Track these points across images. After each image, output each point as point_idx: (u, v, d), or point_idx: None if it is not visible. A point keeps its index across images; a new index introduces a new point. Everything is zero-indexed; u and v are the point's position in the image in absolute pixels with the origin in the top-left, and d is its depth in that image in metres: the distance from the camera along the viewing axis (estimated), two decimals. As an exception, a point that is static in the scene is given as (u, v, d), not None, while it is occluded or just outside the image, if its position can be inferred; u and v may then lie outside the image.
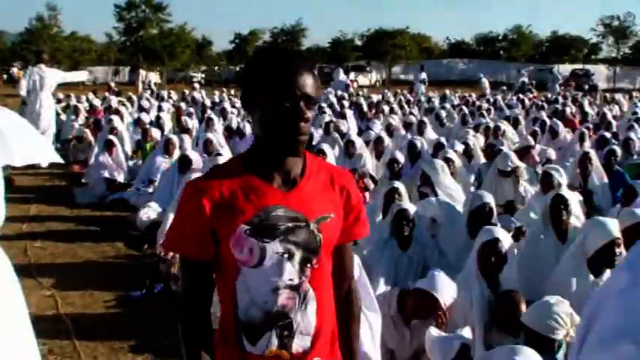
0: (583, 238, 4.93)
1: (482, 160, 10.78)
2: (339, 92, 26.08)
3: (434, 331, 4.23)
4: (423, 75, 34.03)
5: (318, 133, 12.88)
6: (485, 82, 34.23)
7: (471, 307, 4.58)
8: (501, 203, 8.29)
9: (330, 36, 76.73)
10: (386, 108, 19.84)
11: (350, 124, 15.70)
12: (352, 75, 38.82)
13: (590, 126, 14.59)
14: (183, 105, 20.37)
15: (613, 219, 5.08)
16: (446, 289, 4.49)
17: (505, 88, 34.35)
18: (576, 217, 6.08)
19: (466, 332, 4.19)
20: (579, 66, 54.82)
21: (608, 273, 4.84)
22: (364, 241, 6.53)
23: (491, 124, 13.73)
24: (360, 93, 28.56)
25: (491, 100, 23.54)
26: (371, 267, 5.48)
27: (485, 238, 4.77)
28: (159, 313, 6.14)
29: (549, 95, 28.49)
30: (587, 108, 20.49)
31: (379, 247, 5.92)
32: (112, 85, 31.38)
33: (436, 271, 4.62)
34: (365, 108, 20.03)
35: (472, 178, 9.73)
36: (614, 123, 15.37)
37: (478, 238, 4.84)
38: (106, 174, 11.37)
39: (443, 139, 11.46)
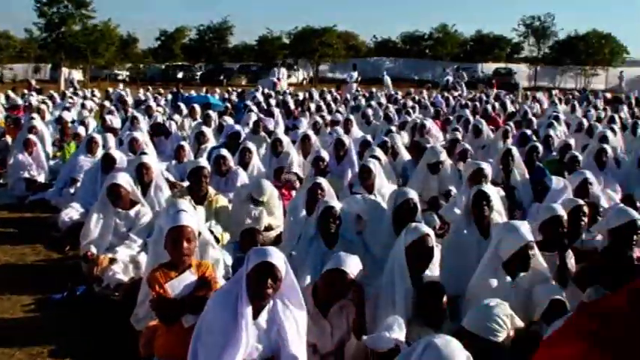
0: (497, 243, 5.01)
1: (408, 157, 10.91)
2: (267, 90, 26.01)
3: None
4: (355, 74, 34.32)
5: (245, 132, 12.78)
6: (388, 79, 34.73)
7: (394, 301, 4.64)
8: (427, 200, 8.41)
9: (258, 34, 76.42)
10: (312, 106, 19.88)
11: (277, 123, 15.68)
12: (278, 73, 38.75)
13: (512, 124, 14.91)
14: (107, 103, 19.98)
15: (524, 223, 5.20)
16: (351, 263, 4.55)
17: (430, 85, 34.81)
18: (498, 212, 6.19)
19: (396, 328, 4.22)
20: (502, 65, 56.03)
21: (523, 275, 4.97)
22: (289, 240, 6.53)
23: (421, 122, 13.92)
24: (287, 91, 28.54)
25: (399, 97, 23.85)
26: (297, 265, 5.48)
27: (414, 236, 4.83)
28: (81, 316, 5.99)
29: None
30: (510, 106, 20.97)
31: (305, 245, 5.93)
32: (33, 82, 30.55)
33: (338, 253, 4.68)
34: (292, 106, 20.02)
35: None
36: (534, 120, 15.75)
37: (405, 235, 4.88)
38: (26, 174, 11.04)
39: (369, 137, 11.53)
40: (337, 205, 5.98)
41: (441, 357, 3.03)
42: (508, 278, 4.95)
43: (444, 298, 4.68)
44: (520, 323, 4.29)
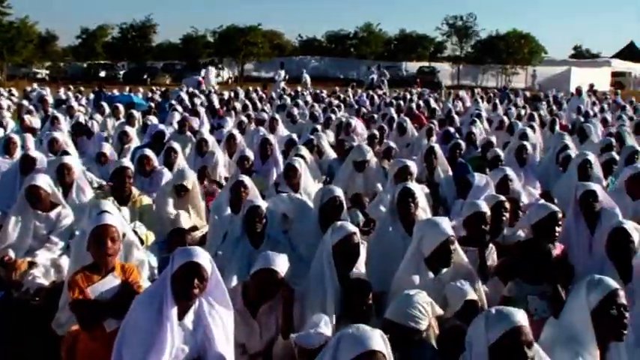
0: (419, 239, 5.06)
1: (333, 155, 10.96)
2: (191, 89, 25.75)
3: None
4: (283, 72, 34.34)
5: (169, 131, 12.62)
6: (307, 78, 34.91)
7: (323, 300, 4.65)
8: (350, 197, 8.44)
9: (182, 32, 75.61)
10: (238, 105, 19.77)
11: (202, 122, 15.54)
12: (203, 72, 38.43)
13: (435, 122, 15.15)
14: (25, 102, 19.42)
15: (445, 218, 5.29)
16: (280, 262, 4.57)
17: (355, 84, 35.07)
18: (423, 209, 6.27)
19: (323, 326, 4.22)
20: (426, 63, 56.89)
21: (445, 270, 5.05)
22: (214, 239, 6.48)
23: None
24: (212, 90, 28.31)
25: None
26: (223, 264, 5.46)
27: (340, 235, 4.84)
28: (-1, 322, 5.81)
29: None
30: (434, 104, 21.30)
31: (231, 245, 5.90)
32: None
33: (266, 252, 4.69)
34: (217, 105, 19.87)
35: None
36: (457, 119, 16.03)
37: (331, 234, 4.89)
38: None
39: (295, 136, 11.54)
40: (263, 205, 5.96)
41: (356, 339, 3.08)
42: (430, 274, 5.02)
43: (370, 295, 4.72)
44: (440, 311, 4.36)
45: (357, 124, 14.57)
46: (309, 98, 23.62)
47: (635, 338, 3.83)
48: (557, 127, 14.94)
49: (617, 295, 3.64)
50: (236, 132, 11.83)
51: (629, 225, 5.19)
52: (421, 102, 22.44)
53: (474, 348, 3.23)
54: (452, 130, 12.61)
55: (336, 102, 21.17)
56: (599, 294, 3.63)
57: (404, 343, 4.07)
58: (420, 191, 6.29)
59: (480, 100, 23.62)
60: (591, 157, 8.50)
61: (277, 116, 14.75)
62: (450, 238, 4.97)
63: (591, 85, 31.90)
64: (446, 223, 5.09)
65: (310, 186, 8.02)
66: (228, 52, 56.08)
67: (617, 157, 9.57)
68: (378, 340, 3.11)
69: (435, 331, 4.35)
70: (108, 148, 10.58)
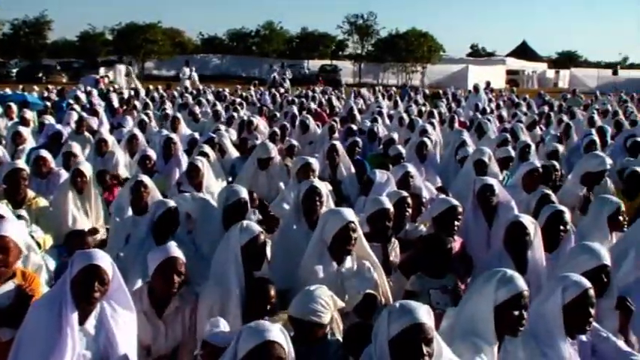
0: (322, 227, 5.16)
1: (236, 154, 10.91)
2: (89, 88, 25.08)
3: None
4: (188, 70, 33.88)
5: (67, 131, 12.24)
6: (195, 76, 34.55)
7: (228, 300, 4.62)
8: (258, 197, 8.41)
9: (79, 29, 73.56)
10: (138, 104, 19.38)
11: (101, 122, 15.17)
12: (102, 70, 37.44)
13: (337, 119, 15.29)
14: None
15: (348, 209, 5.40)
16: (178, 251, 4.58)
17: (257, 82, 34.97)
18: (327, 207, 6.30)
19: (222, 327, 4.19)
20: (328, 62, 57.31)
21: (349, 260, 5.13)
22: (115, 241, 6.34)
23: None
24: (111, 89, 27.65)
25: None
26: (126, 266, 5.35)
27: (249, 235, 4.81)
28: None
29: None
30: (336, 102, 21.48)
31: (136, 246, 5.78)
32: None
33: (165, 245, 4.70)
34: (116, 104, 19.44)
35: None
36: (359, 116, 16.22)
37: (239, 234, 4.83)
38: None
39: (197, 135, 11.43)
40: (174, 204, 5.89)
41: (254, 331, 3.14)
42: (334, 264, 5.08)
43: (272, 292, 4.72)
44: (341, 304, 4.39)
45: (260, 122, 14.55)
46: (210, 97, 23.39)
47: (529, 329, 3.96)
48: (456, 124, 15.31)
49: (523, 297, 3.75)
50: (137, 131, 11.61)
51: (526, 219, 5.38)
52: (323, 100, 22.59)
53: (378, 341, 3.27)
54: (354, 127, 12.74)
55: (238, 100, 21.03)
56: (508, 292, 3.72)
57: (308, 339, 4.09)
58: (325, 188, 6.33)
59: (381, 98, 23.97)
60: (488, 152, 8.75)
61: (179, 115, 14.55)
62: (351, 225, 5.04)
63: (488, 83, 32.76)
64: (348, 212, 5.20)
65: (213, 185, 7.96)
66: (127, 50, 54.94)
67: (513, 153, 9.90)
68: (276, 332, 3.15)
69: (339, 325, 4.38)
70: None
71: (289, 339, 3.20)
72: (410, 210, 6.41)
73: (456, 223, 5.91)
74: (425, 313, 3.28)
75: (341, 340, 4.22)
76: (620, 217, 6.08)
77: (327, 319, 4.17)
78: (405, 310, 3.27)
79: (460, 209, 6.00)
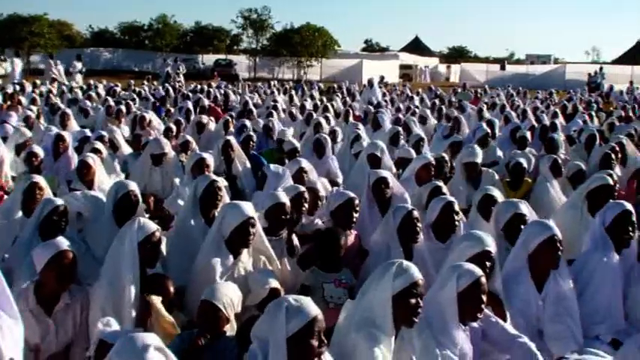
0: (220, 221, 5.18)
1: (129, 150, 10.68)
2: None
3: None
4: (80, 64, 32.85)
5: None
6: (61, 69, 33.50)
7: (121, 298, 4.53)
8: (152, 192, 8.28)
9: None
10: (24, 100, 18.60)
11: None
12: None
13: (233, 114, 15.20)
14: None
15: (248, 202, 5.45)
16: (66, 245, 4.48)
17: (150, 77, 34.32)
18: (222, 202, 6.25)
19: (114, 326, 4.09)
20: (222, 56, 56.82)
21: (245, 254, 5.15)
22: (1, 242, 6.11)
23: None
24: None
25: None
26: (13, 268, 5.22)
27: (145, 233, 4.74)
28: None
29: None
30: (233, 97, 21.34)
31: (23, 247, 5.56)
32: None
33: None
34: (-1, 100, 18.67)
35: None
36: (254, 111, 16.15)
37: (138, 231, 4.74)
38: None
39: (88, 131, 11.12)
40: (62, 202, 5.69)
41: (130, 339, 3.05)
42: (231, 257, 5.07)
43: (172, 289, 4.66)
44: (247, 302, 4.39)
45: (153, 117, 14.27)
46: (102, 91, 22.78)
47: (424, 318, 4.04)
48: (351, 118, 15.49)
49: (419, 286, 3.83)
50: (23, 128, 11.18)
51: (416, 212, 5.51)
52: (218, 95, 22.40)
53: (273, 339, 3.23)
54: (248, 123, 12.66)
55: (132, 95, 20.57)
56: (405, 281, 3.79)
57: (212, 329, 4.11)
58: (222, 184, 6.29)
59: (276, 92, 23.96)
60: (381, 146, 8.88)
61: (69, 111, 14.09)
62: (251, 220, 5.07)
63: (382, 77, 33.37)
64: (247, 206, 5.22)
65: (105, 182, 7.74)
66: (11, 43, 52.69)
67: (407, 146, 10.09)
68: (152, 339, 3.08)
69: (233, 322, 4.36)
70: None
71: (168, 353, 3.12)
72: (307, 204, 6.44)
73: (354, 215, 5.98)
74: (316, 307, 3.31)
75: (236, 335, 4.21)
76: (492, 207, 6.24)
77: (232, 315, 4.20)
78: (302, 307, 3.26)
79: (357, 201, 6.08)
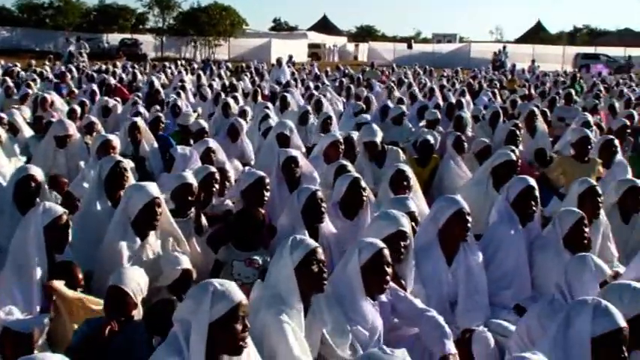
0: (125, 203, 5.11)
1: (30, 132, 10.35)
2: None
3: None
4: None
5: None
6: None
7: (29, 287, 4.41)
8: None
9: None
10: None
11: None
12: None
13: (141, 94, 14.91)
14: None
15: (152, 183, 5.42)
16: None
17: (52, 56, 33.26)
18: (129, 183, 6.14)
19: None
20: (128, 35, 55.58)
21: (152, 235, 5.11)
22: None
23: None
24: None
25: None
26: None
27: (51, 216, 4.63)
28: None
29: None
30: (140, 77, 20.94)
31: None
32: None
33: None
34: None
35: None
36: (162, 91, 15.88)
37: (42, 215, 4.61)
38: None
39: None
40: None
41: None
42: (138, 240, 5.01)
43: (80, 276, 4.57)
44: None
45: (56, 98, 13.83)
46: None
47: (334, 294, 4.10)
48: (260, 97, 15.42)
49: (316, 252, 3.93)
50: None
51: (320, 193, 5.55)
52: (124, 75, 21.94)
53: (196, 322, 3.15)
54: (158, 108, 12.45)
55: (33, 76, 19.85)
56: (302, 251, 3.88)
57: (121, 313, 4.06)
58: (128, 165, 6.19)
59: (184, 72, 23.62)
60: (289, 125, 8.87)
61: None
62: (157, 200, 5.01)
63: (290, 57, 33.34)
64: (152, 187, 5.17)
65: (5, 167, 7.49)
66: None
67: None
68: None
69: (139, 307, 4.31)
70: None
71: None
72: (217, 185, 6.39)
73: (265, 194, 5.97)
74: (241, 292, 3.29)
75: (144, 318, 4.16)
76: (404, 182, 6.38)
77: (139, 300, 4.16)
78: (227, 291, 3.22)
79: (268, 180, 6.08)
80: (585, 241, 5.23)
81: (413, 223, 5.18)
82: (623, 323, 3.24)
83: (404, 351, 2.97)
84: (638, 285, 3.68)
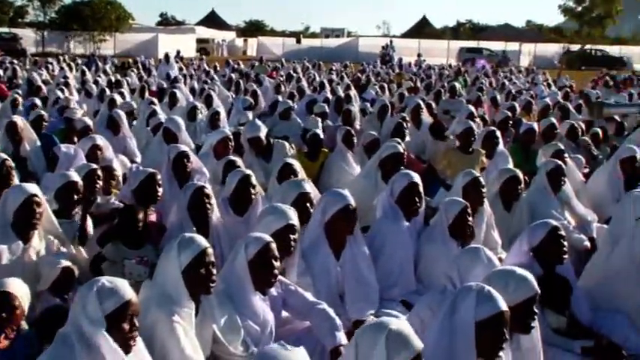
0: (2, 204, 4.89)
1: None
2: None
3: None
4: None
5: None
6: None
7: None
8: None
9: None
10: None
11: None
12: None
13: (20, 91, 14.37)
14: None
15: (31, 184, 5.16)
16: None
17: None
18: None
19: None
20: (6, 29, 53.38)
21: (35, 237, 4.89)
22: None
23: None
24: None
25: None
26: None
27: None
28: None
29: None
30: (20, 73, 20.21)
31: None
32: None
33: None
34: None
35: None
36: (44, 88, 15.36)
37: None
38: None
39: None
40: None
41: None
42: (20, 243, 4.82)
43: None
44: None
45: None
46: None
47: (224, 290, 4.08)
48: (147, 93, 15.15)
49: (205, 254, 3.85)
50: None
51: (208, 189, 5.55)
52: (1, 71, 21.09)
53: (86, 321, 3.10)
54: (38, 101, 12.00)
55: None
56: (190, 254, 3.79)
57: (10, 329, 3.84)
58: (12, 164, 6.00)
59: (67, 68, 22.87)
60: (178, 121, 8.75)
61: None
62: (34, 198, 4.81)
63: (178, 52, 32.90)
64: (29, 185, 5.00)
65: None
66: None
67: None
68: None
69: None
70: None
71: None
72: (100, 182, 6.21)
73: (158, 190, 5.87)
74: (131, 290, 3.25)
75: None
76: (292, 176, 6.42)
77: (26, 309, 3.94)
78: (116, 288, 3.18)
79: (159, 177, 5.97)
80: (469, 230, 5.39)
81: (308, 204, 5.33)
82: (504, 307, 3.38)
83: (302, 349, 3.00)
84: (522, 271, 3.84)
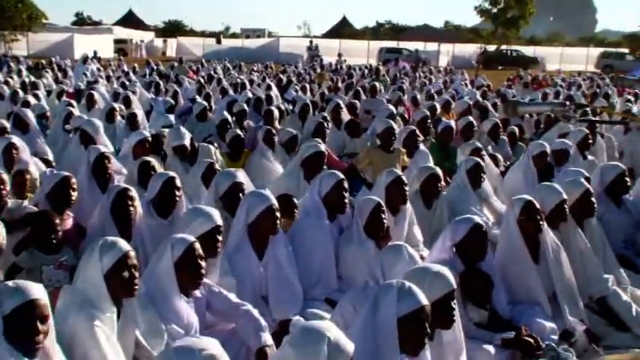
0: None
1: None
2: None
3: None
4: None
5: None
6: None
7: None
8: None
9: None
10: None
11: None
12: None
13: None
14: None
15: None
16: None
17: None
18: None
19: None
20: None
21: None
22: None
23: None
24: None
25: None
26: None
27: None
28: None
29: None
30: None
31: None
32: None
33: None
34: None
35: None
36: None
37: None
38: None
39: None
40: None
41: None
42: None
43: None
44: None
45: None
46: None
47: (146, 293, 4.02)
48: (64, 95, 14.80)
49: (128, 257, 3.78)
50: None
51: (133, 190, 5.48)
52: None
53: None
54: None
55: None
56: (112, 257, 3.72)
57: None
58: None
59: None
60: (96, 124, 8.58)
61: None
62: None
63: (95, 52, 32.28)
64: None
65: None
66: None
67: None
68: None
69: None
70: None
71: None
72: (6, 187, 5.96)
73: (72, 194, 5.71)
74: (39, 290, 3.15)
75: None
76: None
77: None
78: (19, 289, 3.10)
79: (74, 180, 5.82)
80: (383, 228, 5.44)
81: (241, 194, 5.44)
82: (425, 302, 3.43)
83: (215, 340, 2.95)
84: (438, 268, 3.90)
